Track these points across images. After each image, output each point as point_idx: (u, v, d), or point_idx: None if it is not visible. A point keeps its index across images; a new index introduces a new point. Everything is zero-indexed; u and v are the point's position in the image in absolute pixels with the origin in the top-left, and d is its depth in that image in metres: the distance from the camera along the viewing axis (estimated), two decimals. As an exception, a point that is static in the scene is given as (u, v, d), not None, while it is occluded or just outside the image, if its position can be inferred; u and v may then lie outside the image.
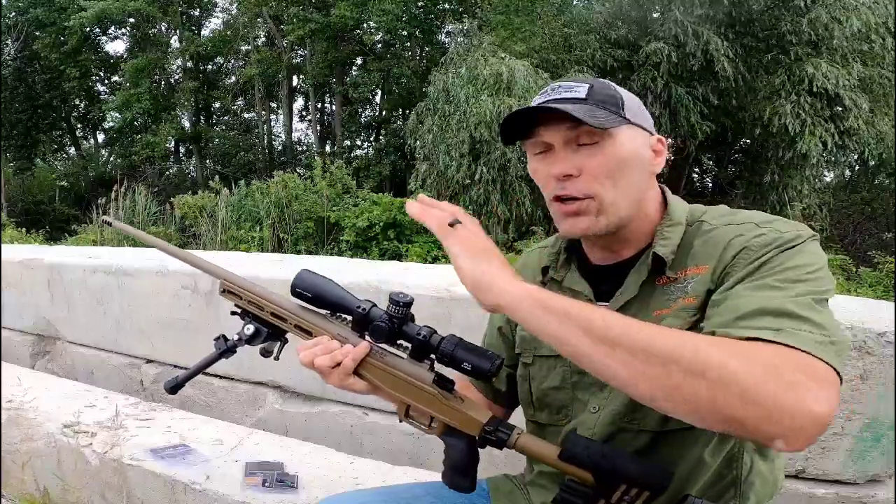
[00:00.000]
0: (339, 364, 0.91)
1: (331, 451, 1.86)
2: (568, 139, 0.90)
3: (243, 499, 1.61)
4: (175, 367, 2.85)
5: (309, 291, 0.94)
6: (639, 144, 0.93)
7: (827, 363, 0.67)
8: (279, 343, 1.02)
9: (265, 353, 1.02)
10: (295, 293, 0.95)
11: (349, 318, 0.93)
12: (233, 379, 2.66)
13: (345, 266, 2.55)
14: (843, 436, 1.59)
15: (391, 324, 0.88)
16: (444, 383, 0.89)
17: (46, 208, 15.63)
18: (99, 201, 9.07)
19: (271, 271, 2.52)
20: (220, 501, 1.63)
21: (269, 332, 1.00)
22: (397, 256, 7.08)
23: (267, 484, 1.64)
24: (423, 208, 0.89)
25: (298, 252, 7.51)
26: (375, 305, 0.91)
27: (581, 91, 0.91)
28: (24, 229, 10.63)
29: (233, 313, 1.03)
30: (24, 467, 2.06)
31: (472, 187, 9.25)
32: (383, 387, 0.92)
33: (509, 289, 0.79)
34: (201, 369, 1.04)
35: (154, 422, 2.10)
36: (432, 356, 0.89)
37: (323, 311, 0.96)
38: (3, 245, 3.83)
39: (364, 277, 2.27)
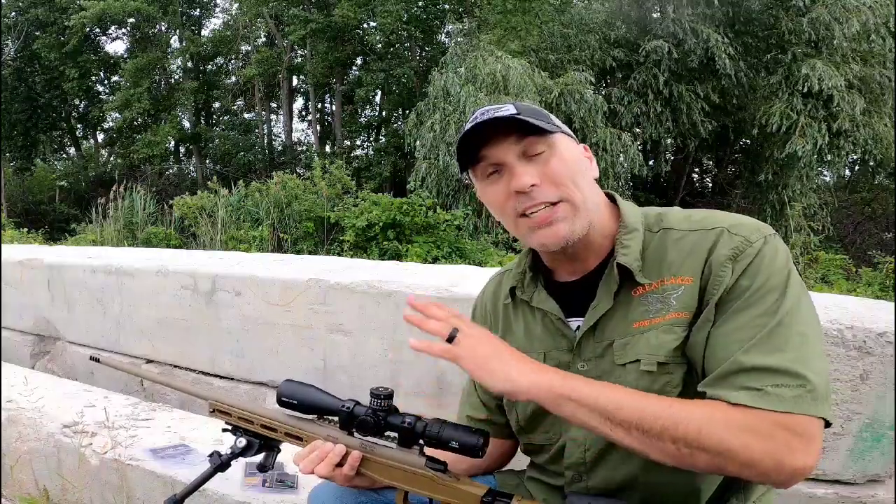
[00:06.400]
0: (338, 465, 0.94)
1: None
2: (519, 152, 0.91)
3: (243, 499, 1.62)
4: (175, 367, 2.85)
5: (294, 399, 0.99)
6: (577, 151, 0.96)
7: (807, 415, 0.76)
8: (273, 453, 1.07)
9: (262, 468, 1.07)
10: (281, 402, 0.99)
11: (335, 418, 0.97)
12: (233, 379, 2.66)
13: (345, 266, 2.55)
14: (843, 436, 1.59)
15: (376, 417, 0.92)
16: (437, 465, 0.91)
17: (46, 208, 15.63)
18: (99, 201, 9.07)
19: (271, 271, 2.52)
20: (220, 501, 1.63)
21: (260, 443, 1.05)
22: (397, 256, 7.06)
23: (267, 484, 1.65)
24: (422, 319, 0.90)
25: (299, 252, 7.50)
26: (358, 403, 0.95)
27: (510, 109, 0.91)
28: (24, 229, 10.62)
29: (224, 430, 1.08)
30: (24, 467, 2.06)
31: (473, 186, 9.20)
32: (382, 479, 0.95)
33: (527, 383, 0.83)
34: (198, 486, 1.09)
35: (154, 422, 2.10)
36: (420, 441, 0.92)
37: (310, 417, 1.00)
38: (3, 245, 3.83)
39: (364, 277, 2.27)
